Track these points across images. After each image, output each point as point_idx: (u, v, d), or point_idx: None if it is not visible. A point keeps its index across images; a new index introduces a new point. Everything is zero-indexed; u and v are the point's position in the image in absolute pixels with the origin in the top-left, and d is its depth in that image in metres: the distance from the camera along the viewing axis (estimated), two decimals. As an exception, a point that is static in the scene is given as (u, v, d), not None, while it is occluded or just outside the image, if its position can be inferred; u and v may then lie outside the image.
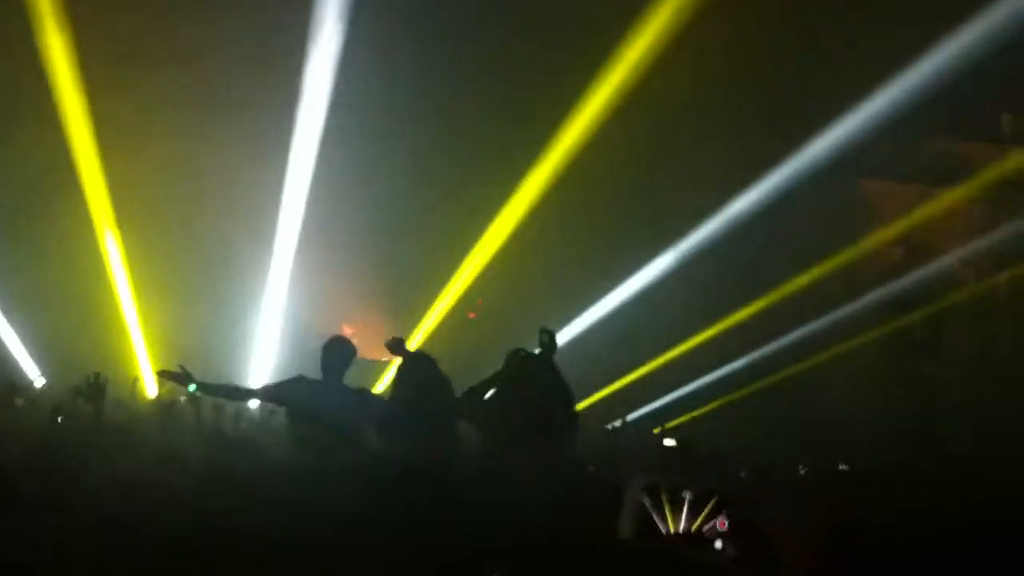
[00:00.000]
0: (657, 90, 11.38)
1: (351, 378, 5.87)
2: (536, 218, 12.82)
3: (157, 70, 11.93)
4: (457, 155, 13.32)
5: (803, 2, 12.05)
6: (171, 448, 5.81)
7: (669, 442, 10.80)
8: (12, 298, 12.57)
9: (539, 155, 12.47)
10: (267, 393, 5.89)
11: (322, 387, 5.67)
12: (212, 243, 13.01)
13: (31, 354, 12.71)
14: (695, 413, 13.62)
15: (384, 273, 14.01)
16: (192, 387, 5.81)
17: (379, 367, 7.99)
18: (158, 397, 10.47)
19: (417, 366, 5.55)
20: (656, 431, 11.79)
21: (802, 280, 12.84)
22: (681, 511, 5.39)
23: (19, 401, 8.69)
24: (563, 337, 13.05)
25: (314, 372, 5.82)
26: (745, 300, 13.22)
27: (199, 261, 12.99)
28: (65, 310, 12.62)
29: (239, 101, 12.08)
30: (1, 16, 10.97)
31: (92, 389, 5.98)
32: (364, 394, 5.81)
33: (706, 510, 5.36)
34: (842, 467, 8.72)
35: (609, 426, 12.38)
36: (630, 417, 13.27)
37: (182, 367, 5.74)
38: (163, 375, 5.91)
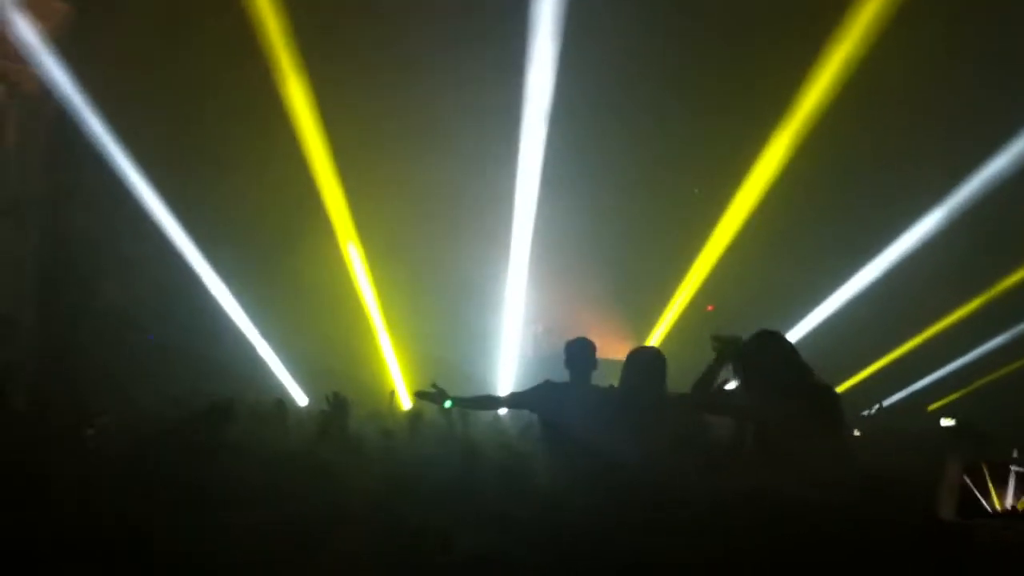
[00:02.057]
0: (876, 79, 10.88)
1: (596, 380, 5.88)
2: (768, 205, 12.46)
3: (385, 92, 12.39)
4: (682, 150, 13.15)
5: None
6: (420, 457, 6.01)
7: (947, 422, 10.17)
8: (273, 325, 13.47)
9: (765, 143, 12.20)
10: (516, 400, 5.99)
11: (570, 389, 5.70)
12: (450, 257, 13.45)
13: (295, 377, 13.60)
14: (957, 394, 12.81)
15: (618, 272, 14.02)
16: (447, 403, 5.98)
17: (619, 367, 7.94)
18: (412, 409, 10.93)
19: (642, 361, 5.48)
20: (930, 408, 11.14)
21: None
22: (1010, 487, 5.01)
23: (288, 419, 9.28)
24: (805, 326, 12.77)
25: (557, 377, 5.87)
26: (1009, 267, 12.28)
27: (439, 276, 13.46)
28: (322, 333, 13.32)
29: (464, 117, 12.39)
30: (236, 47, 11.65)
31: (334, 408, 6.26)
32: (610, 391, 5.80)
33: None
34: None
35: (864, 413, 11.83)
36: (887, 402, 12.66)
37: (435, 385, 5.96)
38: (419, 396, 6.14)
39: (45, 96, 12.09)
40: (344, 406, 6.30)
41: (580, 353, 5.73)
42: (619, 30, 11.81)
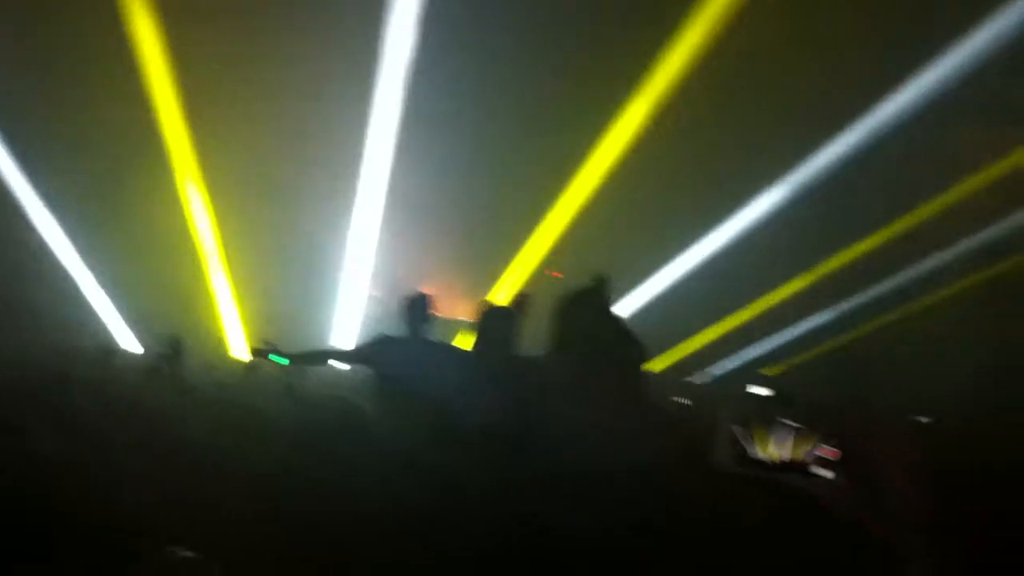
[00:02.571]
0: (754, 18, 11.08)
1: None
2: (617, 174, 12.63)
3: (234, 20, 11.94)
4: (538, 112, 13.14)
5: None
6: (256, 410, 5.91)
7: (761, 391, 10.56)
8: (104, 264, 12.89)
9: (618, 110, 12.29)
10: (356, 355, 5.95)
11: (407, 343, 5.69)
12: (295, 200, 13.09)
13: (126, 321, 13.06)
14: (784, 366, 13.38)
15: (466, 234, 13.97)
16: (284, 360, 5.93)
17: (459, 327, 7.94)
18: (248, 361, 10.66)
19: (494, 321, 5.52)
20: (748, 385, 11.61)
21: (899, 226, 12.46)
22: (777, 438, 5.34)
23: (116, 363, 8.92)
24: (651, 289, 13.07)
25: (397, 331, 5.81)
26: (838, 246, 12.88)
27: (283, 220, 13.10)
28: (156, 276, 12.83)
29: (320, 57, 12.05)
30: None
31: (171, 353, 6.16)
32: (448, 348, 5.80)
33: (811, 440, 5.30)
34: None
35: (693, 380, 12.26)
36: (716, 371, 13.14)
37: (268, 342, 5.86)
38: (255, 353, 6.05)
39: None
40: (179, 349, 6.17)
41: (415, 306, 5.75)
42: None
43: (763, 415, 5.34)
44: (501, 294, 13.27)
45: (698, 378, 12.53)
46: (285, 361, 5.87)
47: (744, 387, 11.43)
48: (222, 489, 4.55)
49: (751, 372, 12.79)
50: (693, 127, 12.34)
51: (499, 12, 11.95)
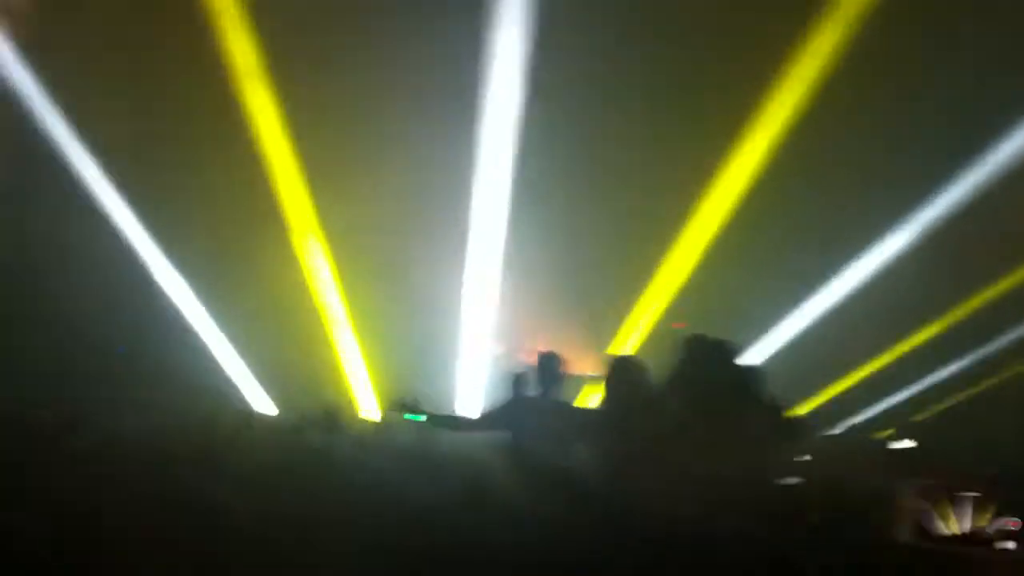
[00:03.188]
0: (874, 53, 10.85)
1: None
2: (739, 217, 12.44)
3: (348, 89, 12.24)
4: (649, 165, 13.08)
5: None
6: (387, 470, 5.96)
7: (898, 445, 10.19)
8: (232, 326, 13.26)
9: (740, 144, 12.16)
10: (488, 422, 5.92)
11: (538, 404, 5.65)
12: (414, 259, 13.28)
13: (261, 384, 13.39)
14: (925, 415, 12.84)
15: (584, 288, 13.92)
16: (420, 417, 5.97)
17: (584, 382, 7.89)
18: (380, 420, 10.81)
19: (622, 375, 5.43)
20: (885, 434, 11.20)
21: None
22: (957, 511, 5.12)
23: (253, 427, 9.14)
24: (776, 340, 12.74)
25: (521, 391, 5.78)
26: (985, 282, 12.36)
27: (403, 279, 13.29)
28: (282, 336, 13.13)
29: (428, 118, 12.28)
30: (196, 43, 11.57)
31: (327, 422, 6.29)
32: (579, 411, 5.75)
33: (989, 510, 5.07)
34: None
35: (830, 432, 11.86)
36: (855, 421, 12.71)
37: (407, 399, 5.91)
38: (395, 408, 6.09)
39: (4, 94, 11.90)
40: (335, 422, 6.34)
41: (548, 367, 5.72)
42: (592, 35, 11.73)
43: (942, 487, 5.12)
44: (625, 347, 13.18)
45: (830, 429, 12.11)
46: (421, 417, 5.93)
47: (884, 442, 11.00)
48: (361, 557, 4.58)
49: (887, 422, 12.33)
50: (814, 169, 12.13)
51: (605, 70, 12.02)
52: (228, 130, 12.24)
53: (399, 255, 13.27)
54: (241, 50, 11.67)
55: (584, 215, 13.45)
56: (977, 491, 5.22)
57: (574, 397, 6.27)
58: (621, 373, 5.45)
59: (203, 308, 13.26)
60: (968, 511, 5.19)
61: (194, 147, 12.32)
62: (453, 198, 13.05)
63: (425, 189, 12.91)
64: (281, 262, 13.19)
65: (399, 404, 5.95)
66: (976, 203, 11.74)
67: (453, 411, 12.55)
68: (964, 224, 11.87)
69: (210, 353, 13.25)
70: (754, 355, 11.96)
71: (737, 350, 5.03)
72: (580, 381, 7.84)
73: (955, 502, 5.22)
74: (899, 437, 10.60)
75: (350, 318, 13.54)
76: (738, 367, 4.95)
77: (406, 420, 6.19)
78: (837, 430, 12.06)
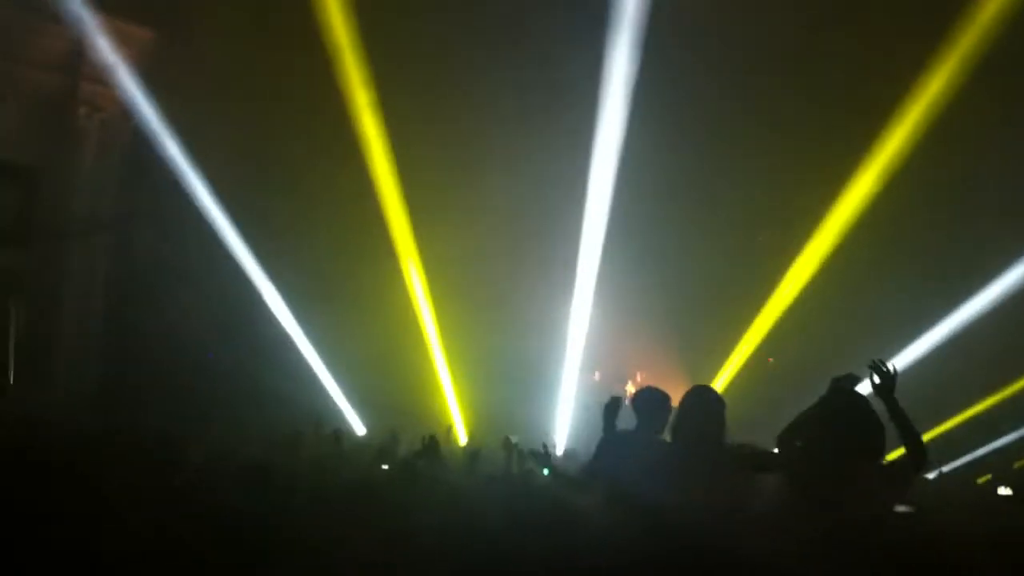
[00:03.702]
0: (963, 119, 10.66)
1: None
2: (837, 259, 12.29)
3: (453, 119, 12.51)
4: (749, 202, 13.04)
5: None
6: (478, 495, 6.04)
7: (1004, 491, 9.91)
8: (332, 351, 13.56)
9: (838, 190, 12.03)
10: (592, 470, 5.76)
11: (636, 443, 5.55)
12: (512, 292, 13.44)
13: (354, 407, 13.67)
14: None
15: (679, 321, 13.89)
16: (546, 471, 6.00)
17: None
18: (467, 444, 10.96)
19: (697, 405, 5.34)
20: (982, 480, 10.87)
21: None
22: None
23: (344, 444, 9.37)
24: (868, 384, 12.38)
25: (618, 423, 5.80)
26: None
27: (500, 310, 13.44)
28: (382, 362, 13.37)
29: (534, 151, 12.44)
30: (308, 74, 11.87)
31: (427, 449, 6.39)
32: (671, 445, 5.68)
33: None
34: None
35: (929, 475, 11.56)
36: (947, 468, 12.37)
37: (545, 446, 6.01)
38: (533, 457, 6.14)
39: (123, 119, 12.48)
40: (436, 449, 6.47)
41: (649, 404, 5.58)
42: (688, 80, 11.78)
43: None
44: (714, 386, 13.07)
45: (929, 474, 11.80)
46: (547, 471, 6.00)
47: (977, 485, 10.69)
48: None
49: (987, 467, 11.96)
50: (913, 211, 11.95)
51: (702, 109, 12.05)
52: (339, 158, 12.61)
53: (501, 283, 13.46)
54: (354, 79, 11.92)
55: (689, 252, 13.48)
56: None
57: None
58: (697, 402, 5.37)
59: (304, 331, 13.59)
60: None
61: (306, 173, 12.81)
62: (559, 229, 13.25)
63: (531, 218, 13.10)
64: (384, 288, 13.54)
65: (537, 452, 6.04)
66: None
67: (551, 442, 12.66)
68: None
69: (310, 374, 13.58)
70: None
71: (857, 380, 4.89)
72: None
73: None
74: (997, 483, 10.29)
75: (446, 352, 13.78)
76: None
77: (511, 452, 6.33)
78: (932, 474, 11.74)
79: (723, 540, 4.44)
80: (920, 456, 4.34)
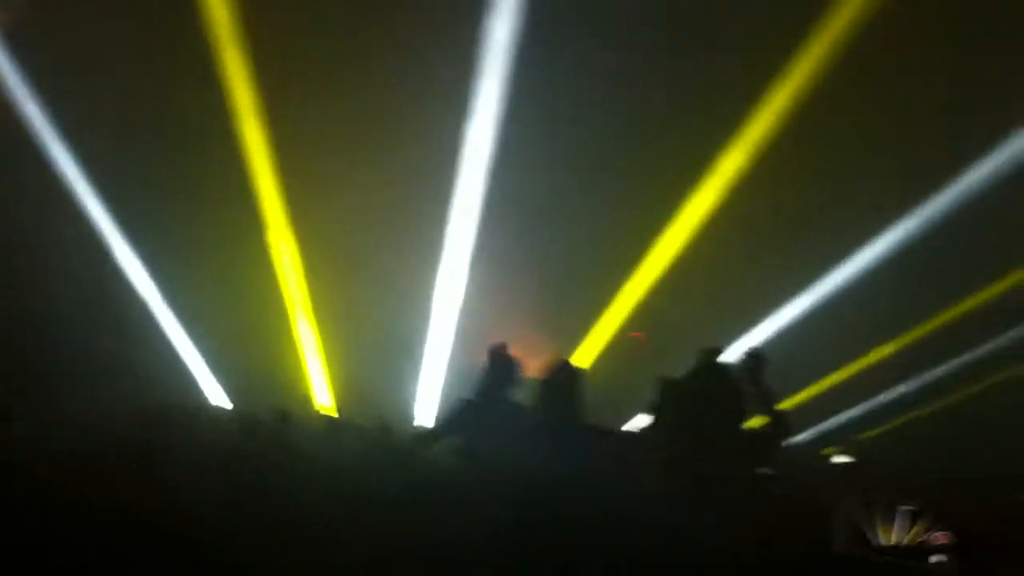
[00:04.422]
0: (828, 97, 11.04)
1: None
2: (703, 234, 12.60)
3: (327, 87, 12.26)
4: (616, 178, 13.22)
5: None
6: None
7: (842, 458, 10.45)
8: (198, 323, 13.24)
9: (705, 170, 12.30)
10: (446, 429, 5.96)
11: (492, 406, 5.70)
12: (382, 263, 13.31)
13: (219, 382, 13.39)
14: (870, 433, 13.09)
15: (551, 294, 14.03)
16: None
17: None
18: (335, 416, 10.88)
19: (562, 380, 5.52)
20: (826, 451, 11.42)
21: (993, 291, 12.17)
22: (895, 524, 5.37)
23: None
24: (731, 357, 12.85)
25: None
26: (929, 313, 12.63)
27: (370, 282, 13.31)
28: (246, 333, 13.15)
29: (408, 121, 12.34)
30: (176, 37, 11.52)
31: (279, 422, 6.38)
32: (528, 411, 5.82)
33: (923, 523, 5.34)
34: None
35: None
36: (800, 439, 12.93)
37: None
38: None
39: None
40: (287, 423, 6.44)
41: (505, 370, 5.76)
42: (566, 54, 11.84)
43: (882, 501, 5.38)
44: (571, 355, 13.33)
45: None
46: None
47: (829, 459, 11.25)
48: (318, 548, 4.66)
49: (838, 439, 12.55)
50: (780, 188, 12.31)
51: (583, 79, 12.14)
52: (203, 124, 12.24)
53: (369, 253, 13.32)
54: (224, 41, 11.61)
55: (556, 226, 13.58)
56: (913, 505, 5.50)
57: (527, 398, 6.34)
58: (559, 375, 5.55)
59: (167, 302, 13.28)
60: (904, 524, 5.46)
61: (168, 140, 12.35)
62: (429, 195, 13.08)
63: (399, 188, 12.98)
64: (252, 262, 13.20)
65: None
66: (936, 231, 11.97)
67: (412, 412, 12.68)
68: (922, 251, 12.11)
69: (171, 346, 13.22)
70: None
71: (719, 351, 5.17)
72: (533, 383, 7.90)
73: (892, 515, 5.49)
74: (843, 454, 10.85)
75: (313, 319, 13.57)
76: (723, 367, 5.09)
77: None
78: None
79: (582, 500, 4.62)
80: (781, 428, 4.66)
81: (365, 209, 13.03)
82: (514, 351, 6.16)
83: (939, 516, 5.39)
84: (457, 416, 5.86)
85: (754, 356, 4.88)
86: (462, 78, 11.99)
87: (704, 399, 4.71)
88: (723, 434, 4.62)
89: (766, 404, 4.73)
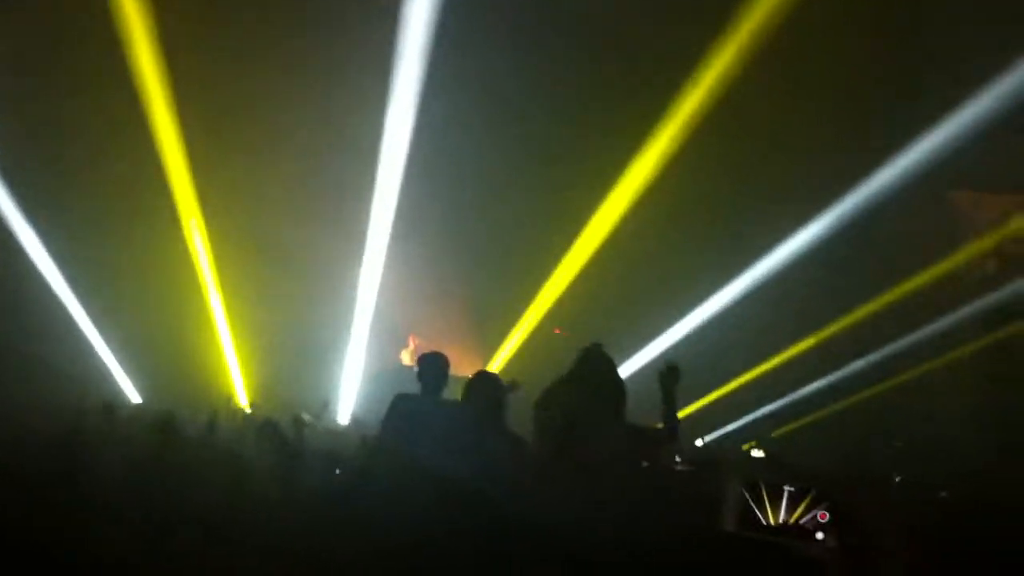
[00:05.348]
0: (746, 95, 11.19)
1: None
2: (624, 230, 12.71)
3: (240, 67, 12.05)
4: (539, 169, 13.27)
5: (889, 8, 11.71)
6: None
7: (757, 453, 10.73)
8: (107, 317, 12.94)
9: (626, 164, 12.37)
10: (387, 430, 5.75)
11: (422, 404, 5.64)
12: (301, 254, 13.18)
13: (130, 378, 13.10)
14: (783, 429, 13.36)
15: (471, 289, 14.04)
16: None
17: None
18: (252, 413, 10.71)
19: (483, 385, 5.53)
20: (745, 447, 11.63)
21: (895, 294, 12.50)
22: (780, 504, 5.60)
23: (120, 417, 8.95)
24: (650, 352, 13.08)
25: (399, 388, 5.81)
26: (836, 313, 12.93)
27: (288, 274, 13.17)
28: (160, 328, 12.89)
29: (325, 109, 12.20)
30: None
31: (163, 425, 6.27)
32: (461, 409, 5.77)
33: (805, 503, 5.59)
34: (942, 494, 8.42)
35: (697, 442, 12.24)
36: (715, 435, 13.16)
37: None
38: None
39: None
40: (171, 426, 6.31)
41: (432, 368, 5.71)
42: (490, 34, 11.79)
43: (768, 481, 5.61)
44: (495, 363, 13.39)
45: (697, 441, 12.48)
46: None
47: (741, 450, 11.47)
48: (224, 551, 4.59)
49: (749, 436, 12.78)
50: (695, 188, 12.48)
51: (505, 72, 12.14)
52: (114, 108, 11.88)
53: (287, 246, 13.17)
54: (133, 21, 11.27)
55: (477, 220, 13.58)
56: (795, 486, 5.76)
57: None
58: (479, 387, 5.53)
59: (77, 296, 12.92)
60: (790, 504, 5.74)
61: (79, 124, 12.03)
62: (347, 189, 13.01)
63: (322, 179, 12.85)
64: (165, 255, 12.97)
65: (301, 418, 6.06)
66: (846, 230, 12.24)
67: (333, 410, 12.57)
68: (831, 251, 12.38)
69: (80, 342, 12.90)
70: (627, 368, 12.31)
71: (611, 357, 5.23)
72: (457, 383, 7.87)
73: (776, 495, 5.75)
74: (757, 449, 11.07)
75: (228, 314, 13.37)
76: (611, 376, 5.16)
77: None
78: (699, 442, 12.44)
79: (498, 503, 4.64)
80: (672, 430, 4.81)
81: (282, 199, 12.88)
82: (442, 349, 6.09)
83: (823, 495, 5.63)
84: (391, 412, 5.71)
85: (670, 369, 4.96)
86: (381, 61, 11.82)
87: (585, 393, 4.80)
88: (602, 424, 4.72)
89: (668, 413, 4.84)
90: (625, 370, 7.34)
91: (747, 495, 5.74)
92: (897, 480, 8.83)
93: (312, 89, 12.27)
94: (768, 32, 10.63)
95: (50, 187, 12.25)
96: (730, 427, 13.69)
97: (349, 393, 13.32)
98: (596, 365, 4.98)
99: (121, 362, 13.19)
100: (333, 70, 11.93)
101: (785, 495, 5.85)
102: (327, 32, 11.76)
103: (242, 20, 11.87)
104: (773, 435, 12.66)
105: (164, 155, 12.27)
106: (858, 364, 12.94)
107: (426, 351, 5.98)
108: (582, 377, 4.92)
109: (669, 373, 4.94)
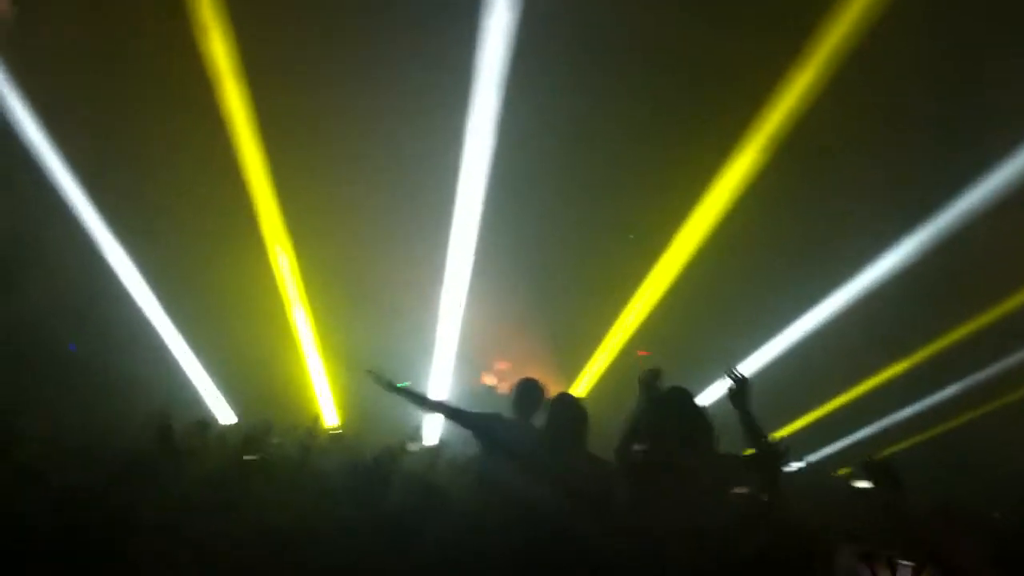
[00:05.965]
0: (834, 113, 11.01)
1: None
2: (709, 250, 12.57)
3: (325, 103, 12.26)
4: (619, 193, 13.21)
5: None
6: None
7: (861, 484, 10.38)
8: (198, 336, 13.22)
9: (710, 184, 12.28)
10: (465, 419, 5.79)
11: (515, 426, 5.64)
12: (384, 281, 13.30)
13: (223, 396, 13.36)
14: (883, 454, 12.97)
15: (553, 313, 14.00)
16: (401, 384, 6.00)
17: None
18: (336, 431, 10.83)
19: (564, 407, 5.48)
20: (842, 472, 11.33)
21: (995, 313, 12.09)
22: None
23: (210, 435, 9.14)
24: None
25: (484, 410, 5.81)
26: (936, 333, 12.56)
27: (373, 301, 13.29)
28: (248, 348, 13.10)
29: (406, 140, 12.33)
30: (173, 48, 11.49)
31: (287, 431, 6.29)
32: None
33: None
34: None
35: (789, 468, 11.96)
36: (811, 458, 12.85)
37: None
38: (371, 375, 6.13)
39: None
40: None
41: (527, 393, 5.71)
42: (570, 62, 11.79)
43: (884, 552, 5.26)
44: (585, 377, 13.28)
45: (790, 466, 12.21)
46: (401, 385, 6.00)
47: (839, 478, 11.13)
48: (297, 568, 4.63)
49: (845, 461, 12.46)
50: (781, 207, 12.29)
51: (584, 98, 12.14)
52: (202, 136, 12.15)
53: (372, 273, 13.30)
54: (219, 53, 11.56)
55: (556, 247, 13.57)
56: (916, 561, 5.38)
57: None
58: (560, 409, 5.48)
59: (169, 316, 13.26)
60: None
61: (168, 152, 12.31)
62: (428, 219, 13.11)
63: (404, 209, 12.98)
64: (252, 274, 13.20)
65: (377, 377, 6.06)
66: (937, 253, 11.92)
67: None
68: (928, 271, 12.05)
69: (174, 361, 13.21)
70: (714, 392, 12.09)
71: (691, 395, 5.10)
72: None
73: (893, 569, 5.37)
74: (856, 476, 10.74)
75: (316, 335, 13.55)
76: (694, 414, 5.01)
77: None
78: (794, 467, 12.17)
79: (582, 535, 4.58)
80: (768, 455, 4.57)
81: (366, 227, 13.03)
82: (538, 377, 6.06)
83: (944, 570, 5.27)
84: (480, 417, 5.73)
85: (738, 380, 4.79)
86: (461, 91, 11.92)
87: (666, 428, 4.67)
88: (689, 461, 4.58)
89: (752, 433, 4.66)
90: (708, 396, 7.20)
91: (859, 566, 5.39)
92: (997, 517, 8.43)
93: (393, 121, 12.40)
94: (852, 53, 10.45)
95: (144, 216, 12.61)
96: (820, 453, 13.37)
97: (435, 415, 13.32)
98: (672, 395, 4.88)
99: (216, 384, 13.44)
100: (412, 100, 12.06)
101: (900, 568, 5.50)
102: (408, 63, 11.89)
103: (325, 53, 12.07)
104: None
105: (251, 184, 12.56)
106: (951, 390, 12.54)
107: (510, 374, 5.98)
108: (663, 412, 4.81)
109: (738, 390, 4.78)
